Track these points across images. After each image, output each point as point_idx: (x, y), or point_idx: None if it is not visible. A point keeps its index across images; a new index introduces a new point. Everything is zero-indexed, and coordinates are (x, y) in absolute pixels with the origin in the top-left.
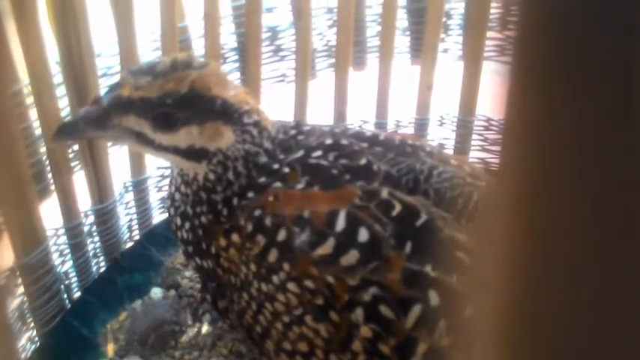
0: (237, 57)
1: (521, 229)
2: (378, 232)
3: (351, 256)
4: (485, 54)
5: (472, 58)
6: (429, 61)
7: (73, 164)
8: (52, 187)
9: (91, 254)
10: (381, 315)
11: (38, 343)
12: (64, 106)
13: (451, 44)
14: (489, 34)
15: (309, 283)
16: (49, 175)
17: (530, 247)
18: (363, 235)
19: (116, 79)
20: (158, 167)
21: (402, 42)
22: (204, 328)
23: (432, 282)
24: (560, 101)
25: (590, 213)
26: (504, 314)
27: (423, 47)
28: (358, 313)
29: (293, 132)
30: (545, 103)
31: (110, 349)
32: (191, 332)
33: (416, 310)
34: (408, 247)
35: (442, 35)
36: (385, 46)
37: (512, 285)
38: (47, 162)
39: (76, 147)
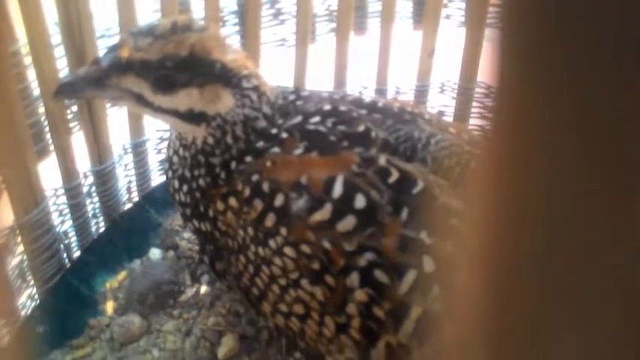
0: (237, 20)
1: (503, 187)
2: (375, 199)
3: (348, 222)
4: (488, 21)
5: (474, 25)
6: (431, 27)
7: (71, 125)
8: (51, 148)
9: (90, 215)
10: (376, 280)
11: (38, 301)
12: (62, 67)
13: (454, 10)
14: (492, 0)
15: (305, 248)
16: (48, 136)
17: (511, 205)
18: (360, 201)
19: (114, 40)
20: (157, 130)
21: (404, 7)
22: (203, 289)
23: (426, 248)
24: (549, 64)
25: (577, 178)
26: (484, 268)
27: (425, 13)
28: (354, 278)
29: (292, 97)
30: (534, 67)
31: (109, 307)
32: (190, 292)
33: (410, 275)
34: (404, 213)
35: (445, 1)
36: (387, 10)
37: (491, 242)
38: (46, 122)
39: (74, 108)
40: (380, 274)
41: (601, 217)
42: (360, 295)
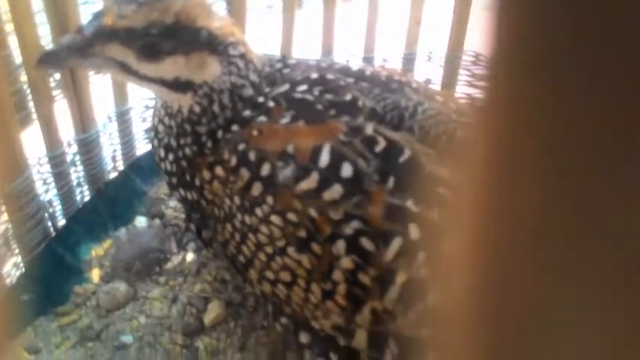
0: None
1: (496, 161)
2: (362, 168)
3: (335, 191)
4: None
5: None
6: None
7: (54, 93)
8: (34, 116)
9: (74, 183)
10: (362, 247)
11: (23, 269)
12: (44, 34)
13: None
14: None
15: (292, 217)
16: (31, 104)
17: (503, 178)
18: (347, 170)
19: (97, 7)
20: (142, 98)
21: None
22: (189, 256)
23: (412, 216)
24: (546, 34)
25: (571, 151)
26: (477, 241)
27: None
28: (340, 246)
29: (279, 65)
30: (534, 33)
31: (95, 274)
32: (176, 260)
33: (396, 243)
34: (391, 182)
35: None
36: None
37: (484, 214)
38: (28, 90)
39: (57, 76)
40: (366, 242)
41: (602, 193)
42: (346, 262)
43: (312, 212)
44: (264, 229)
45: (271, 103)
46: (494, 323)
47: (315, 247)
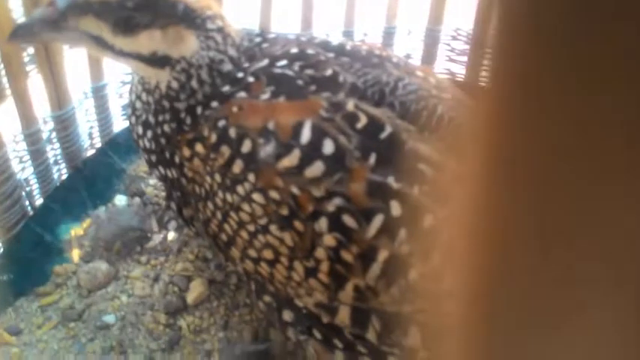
0: None
1: (498, 148)
2: (343, 144)
3: (316, 168)
4: None
5: None
6: None
7: (28, 68)
8: (8, 92)
9: (51, 161)
10: (344, 224)
11: (2, 249)
12: (15, 7)
13: None
14: None
15: (274, 194)
16: (4, 80)
17: (504, 164)
18: (328, 147)
19: None
20: (118, 73)
21: None
22: (170, 235)
23: (394, 193)
24: (547, 17)
25: (572, 137)
26: (483, 228)
27: None
28: (322, 223)
29: (258, 40)
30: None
31: (75, 254)
32: (157, 239)
33: (378, 219)
34: (372, 159)
35: None
36: None
37: (487, 203)
38: (1, 66)
39: (31, 50)
40: (348, 219)
41: (605, 181)
42: (329, 239)
43: (294, 189)
44: (245, 207)
45: (251, 79)
46: (491, 312)
47: (298, 225)
